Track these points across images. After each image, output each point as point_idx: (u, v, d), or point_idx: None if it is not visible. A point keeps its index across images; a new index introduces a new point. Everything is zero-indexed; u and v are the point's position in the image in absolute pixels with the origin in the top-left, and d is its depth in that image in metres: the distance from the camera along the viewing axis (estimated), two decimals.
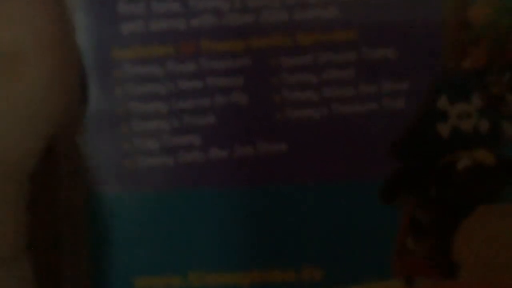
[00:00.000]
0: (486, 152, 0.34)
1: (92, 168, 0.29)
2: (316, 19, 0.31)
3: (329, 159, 0.32)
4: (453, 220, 0.34)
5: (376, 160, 0.33)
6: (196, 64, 0.30)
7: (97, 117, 0.29)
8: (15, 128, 0.23)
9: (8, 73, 0.23)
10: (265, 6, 0.30)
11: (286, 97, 0.31)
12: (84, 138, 0.29)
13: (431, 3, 0.32)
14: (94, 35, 0.29)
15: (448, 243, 0.33)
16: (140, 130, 0.30)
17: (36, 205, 0.26)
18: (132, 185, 0.30)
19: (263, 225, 0.32)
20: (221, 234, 0.31)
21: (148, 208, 0.30)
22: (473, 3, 0.33)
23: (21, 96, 0.23)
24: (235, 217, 0.31)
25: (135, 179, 0.30)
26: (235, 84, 0.30)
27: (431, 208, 0.34)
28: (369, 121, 0.32)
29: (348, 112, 0.32)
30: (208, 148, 0.31)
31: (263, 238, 0.32)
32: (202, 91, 0.30)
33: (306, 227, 0.32)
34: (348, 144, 0.32)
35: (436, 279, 0.34)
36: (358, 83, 0.32)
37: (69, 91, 0.26)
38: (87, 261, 0.30)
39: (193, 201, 0.31)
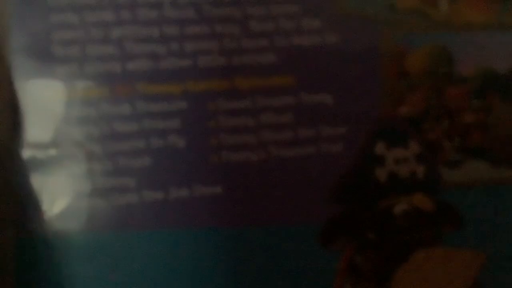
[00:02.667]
0: (423, 197, 0.34)
1: (22, 211, 0.29)
2: (254, 64, 0.31)
3: (265, 202, 0.32)
4: (391, 265, 0.34)
5: (314, 204, 0.33)
6: (132, 106, 0.30)
7: (28, 156, 0.29)
8: None
9: None
10: (202, 50, 0.31)
11: (223, 140, 0.31)
12: (14, 178, 0.29)
13: (368, 50, 0.33)
14: (29, 74, 0.29)
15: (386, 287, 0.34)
16: (72, 171, 0.30)
17: None
18: (63, 228, 0.30)
19: (199, 268, 0.31)
20: (156, 277, 0.31)
21: (79, 251, 0.30)
22: (411, 52, 0.34)
23: None
24: (171, 260, 0.31)
25: (66, 221, 0.30)
26: (171, 127, 0.31)
27: (369, 253, 0.34)
28: (307, 165, 0.33)
29: (286, 156, 0.32)
30: (142, 190, 0.30)
31: (199, 282, 0.31)
32: (137, 133, 0.30)
33: (243, 270, 0.32)
34: (286, 187, 0.32)
35: None
36: (296, 127, 0.32)
37: None
38: None
39: (127, 244, 0.30)
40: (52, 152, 0.29)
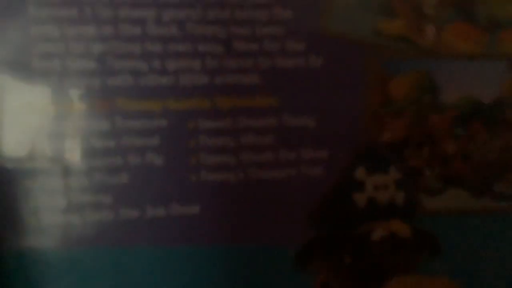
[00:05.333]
0: (401, 223, 0.34)
1: None
2: (236, 84, 0.31)
3: (243, 223, 0.32)
4: None
5: (292, 226, 0.33)
6: (110, 122, 0.30)
7: (4, 171, 0.29)
8: None
9: None
10: (184, 68, 0.30)
11: (202, 159, 0.31)
12: None
13: (353, 75, 0.33)
14: (8, 87, 0.29)
15: None
16: (48, 187, 0.29)
17: None
18: (38, 243, 0.29)
19: (173, 286, 0.31)
20: None
21: (53, 266, 0.30)
22: (395, 78, 0.34)
23: None
24: (144, 277, 0.31)
25: (41, 237, 0.29)
26: (150, 144, 0.30)
27: (345, 277, 0.34)
28: (287, 187, 0.32)
29: (265, 177, 0.32)
30: (118, 208, 0.30)
31: None
32: (115, 150, 0.30)
33: None
34: (264, 209, 0.32)
35: None
36: (277, 149, 0.32)
37: None
38: None
39: (101, 260, 0.30)
40: (29, 166, 0.29)
